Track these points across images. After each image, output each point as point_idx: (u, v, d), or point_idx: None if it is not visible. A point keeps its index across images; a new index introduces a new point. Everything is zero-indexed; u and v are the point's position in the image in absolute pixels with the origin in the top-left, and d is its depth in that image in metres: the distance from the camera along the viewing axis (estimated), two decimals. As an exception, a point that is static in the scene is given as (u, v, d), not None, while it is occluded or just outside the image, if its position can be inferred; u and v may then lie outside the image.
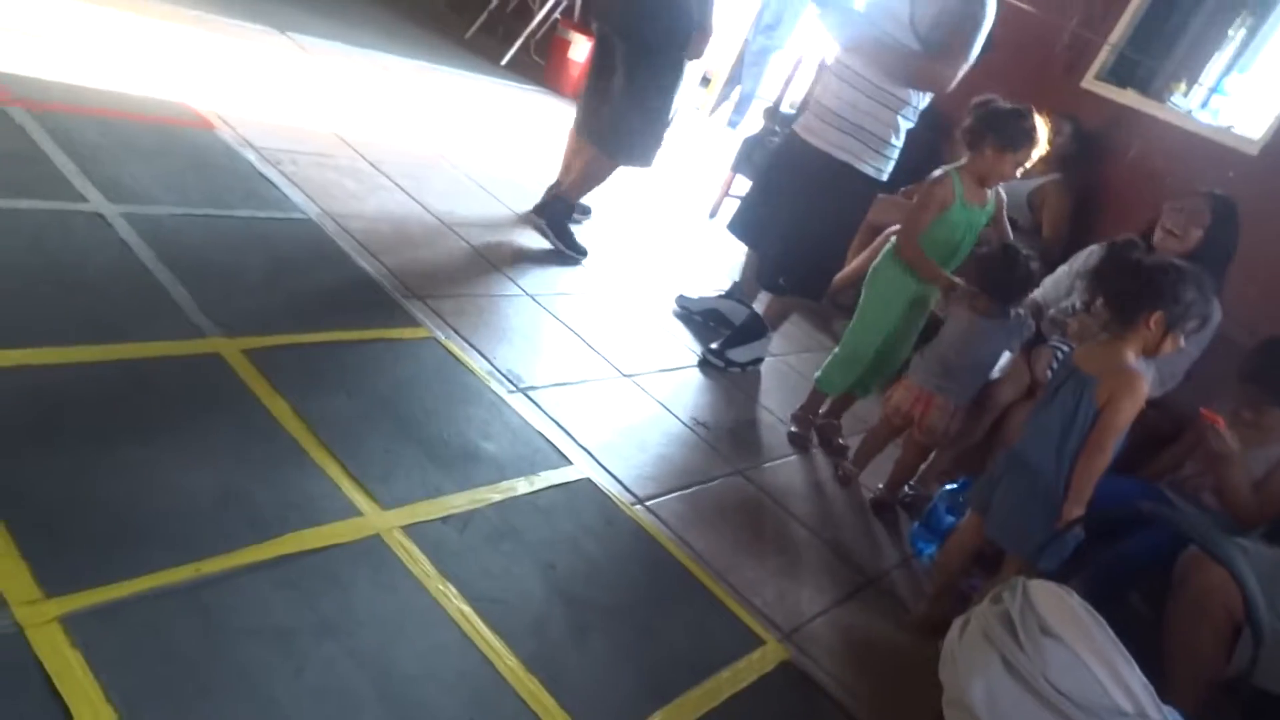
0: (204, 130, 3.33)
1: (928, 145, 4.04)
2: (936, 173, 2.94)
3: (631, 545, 2.33)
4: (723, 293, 3.79)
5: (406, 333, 2.74)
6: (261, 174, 3.22)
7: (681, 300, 3.79)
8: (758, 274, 3.55)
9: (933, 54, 2.92)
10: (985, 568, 2.70)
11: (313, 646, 1.65)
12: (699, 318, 3.74)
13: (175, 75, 3.62)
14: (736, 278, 3.81)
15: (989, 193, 2.94)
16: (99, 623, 1.52)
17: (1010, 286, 2.83)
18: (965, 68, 2.95)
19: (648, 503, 2.51)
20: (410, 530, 2.00)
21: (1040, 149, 2.85)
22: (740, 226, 3.49)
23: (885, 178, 3.20)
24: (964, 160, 2.90)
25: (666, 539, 2.39)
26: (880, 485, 3.09)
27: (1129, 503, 2.51)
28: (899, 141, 3.13)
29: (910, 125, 3.13)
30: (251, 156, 3.30)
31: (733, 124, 6.73)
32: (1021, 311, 2.92)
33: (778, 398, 3.46)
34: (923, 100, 3.08)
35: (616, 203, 4.74)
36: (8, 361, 1.93)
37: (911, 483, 3.14)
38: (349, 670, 1.64)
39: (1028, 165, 2.89)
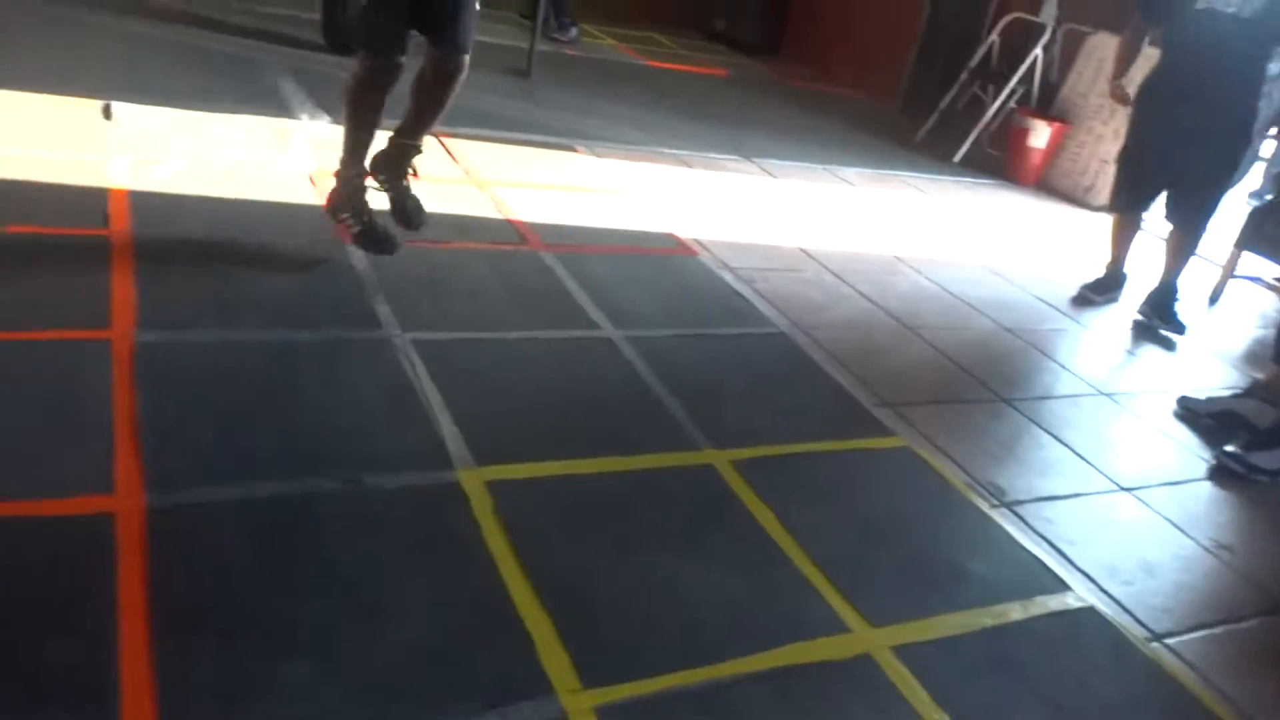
0: (688, 257, 3.69)
1: None
2: None
3: (1152, 689, 2.04)
4: (1239, 391, 3.29)
5: (881, 442, 2.74)
6: (738, 292, 3.47)
7: (1186, 402, 3.34)
8: None
9: None
10: None
11: (814, 764, 1.66)
12: (1210, 420, 3.27)
13: (663, 210, 4.07)
14: (1258, 374, 3.28)
15: None
16: (627, 717, 1.67)
17: None
18: None
19: (1166, 640, 2.20)
20: (900, 651, 1.95)
21: None
22: None
23: None
24: None
25: (1196, 686, 2.07)
26: None
27: None
28: None
29: None
30: (728, 277, 3.58)
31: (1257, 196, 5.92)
32: None
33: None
34: None
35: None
36: (550, 471, 2.26)
37: None
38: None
39: None
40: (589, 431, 2.46)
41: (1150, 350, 3.96)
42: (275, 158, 3.57)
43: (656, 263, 3.58)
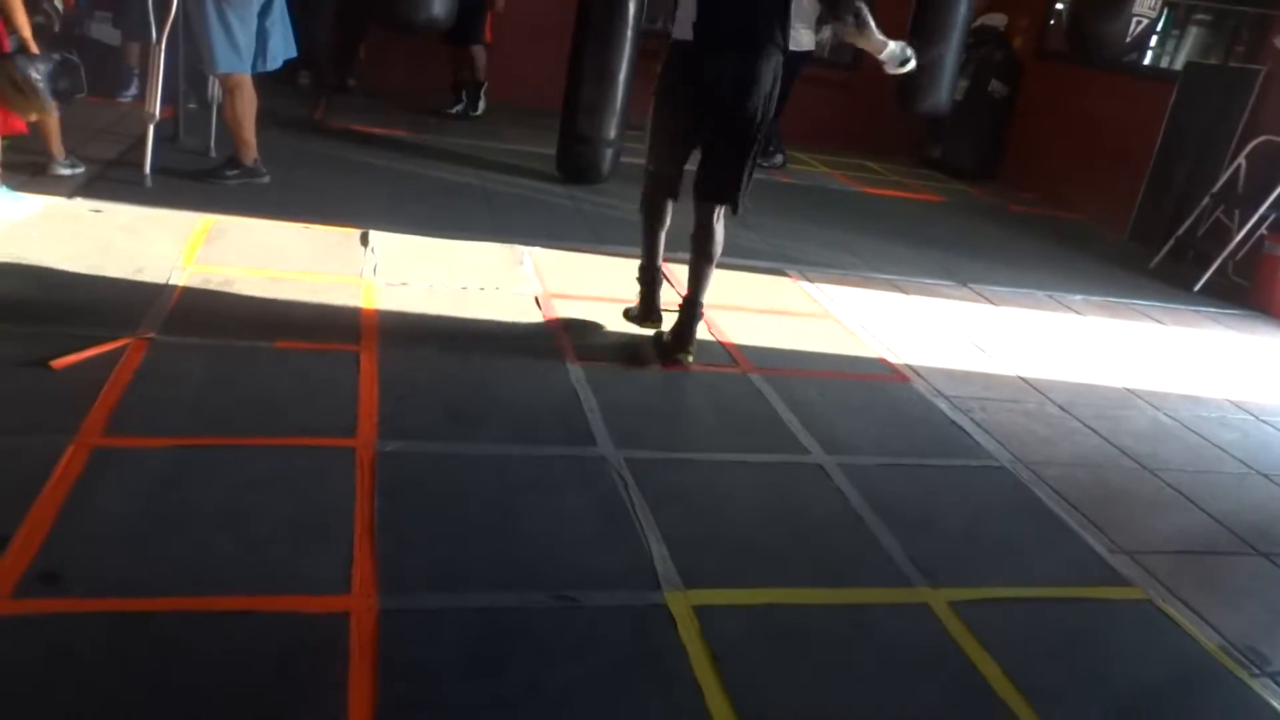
0: (901, 384, 3.62)
1: None
2: None
3: None
4: None
5: (1116, 592, 2.52)
6: (954, 422, 3.36)
7: None
8: None
9: None
10: None
11: None
12: None
13: (876, 335, 4.04)
14: None
15: None
16: None
17: None
18: None
19: None
20: (1146, 833, 1.75)
21: None
22: None
23: None
24: None
25: None
26: None
27: None
28: None
29: None
30: (944, 406, 3.47)
31: None
32: None
33: None
34: None
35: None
36: (758, 599, 2.23)
37: None
38: None
39: None
40: (798, 560, 2.42)
41: None
42: (507, 281, 3.85)
43: (868, 389, 3.53)
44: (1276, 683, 2.26)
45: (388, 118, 6.39)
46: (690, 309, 3.33)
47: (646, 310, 3.53)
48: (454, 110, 6.99)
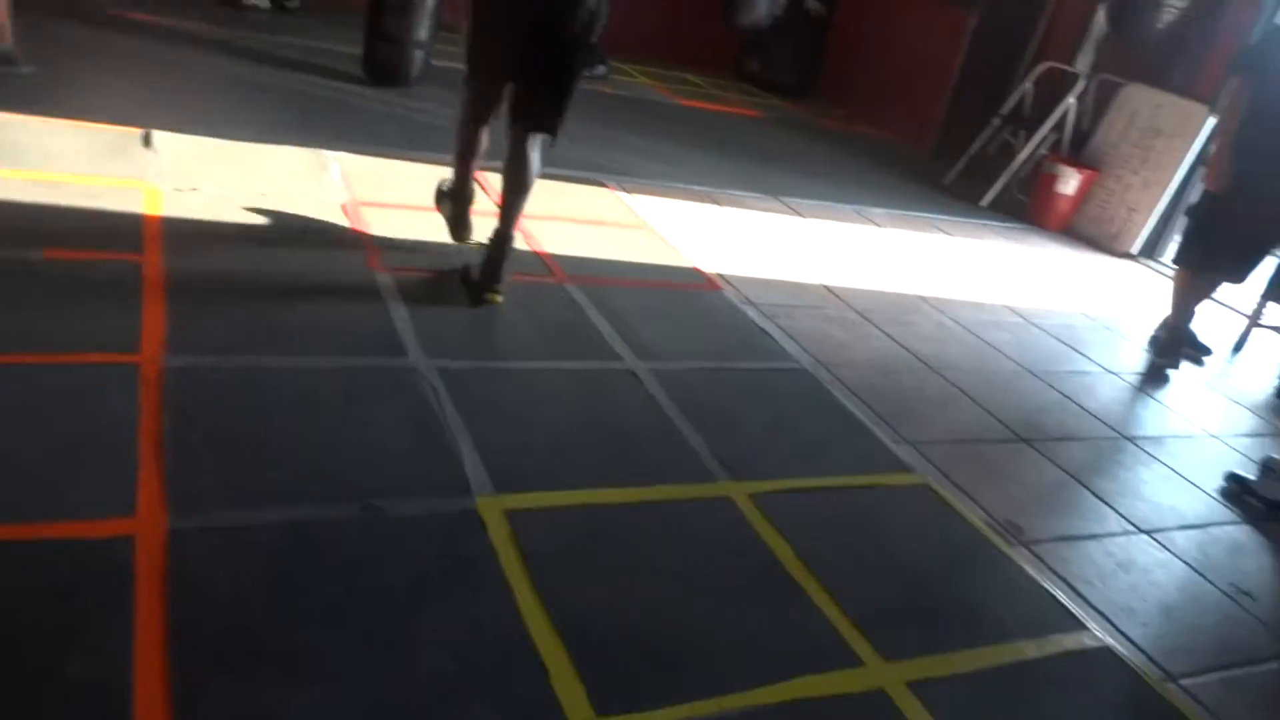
0: (712, 292, 3.73)
1: None
2: None
3: (1167, 733, 2.03)
4: None
5: (900, 479, 2.75)
6: (760, 328, 3.51)
7: (1239, 480, 3.19)
8: None
9: None
10: None
11: (822, 797, 1.67)
12: (1262, 506, 3.10)
13: (690, 245, 4.13)
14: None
15: None
16: (638, 743, 1.68)
17: None
18: None
19: (1182, 680, 2.18)
20: (914, 686, 1.95)
21: None
22: None
23: None
24: None
25: (1212, 730, 2.05)
26: None
27: None
28: None
29: None
30: (752, 312, 3.62)
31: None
32: None
33: (1351, 567, 2.84)
34: None
35: (1116, 337, 4.39)
36: (570, 500, 2.29)
37: None
38: (858, 828, 1.62)
39: None
40: (609, 462, 2.49)
41: (1173, 394, 3.94)
42: (311, 188, 3.67)
43: (681, 297, 3.62)
44: (1030, 550, 2.55)
45: (184, 10, 5.86)
46: (500, 244, 3.11)
47: (457, 225, 3.43)
48: (263, 4, 6.47)
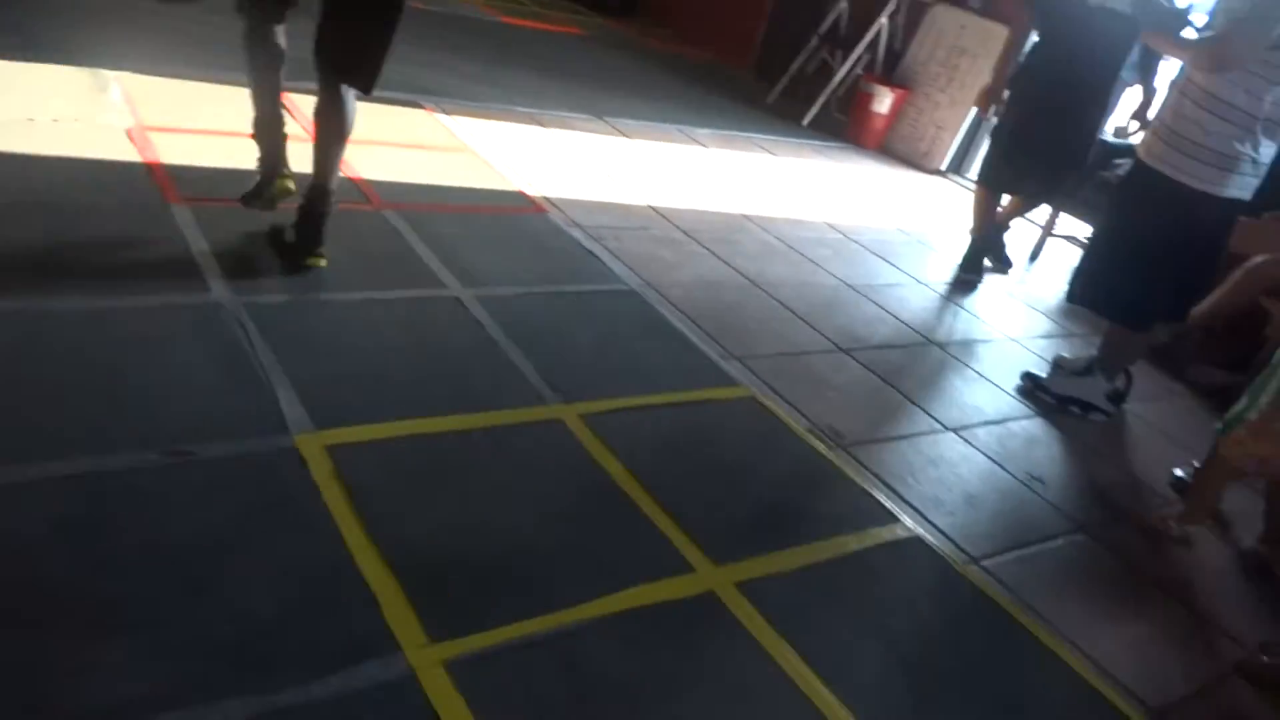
0: (538, 215, 3.67)
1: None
2: None
3: (970, 607, 2.21)
4: (1080, 367, 3.47)
5: (727, 393, 2.82)
6: (588, 251, 3.49)
7: (1031, 377, 3.45)
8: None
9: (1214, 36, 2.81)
10: None
11: (659, 702, 1.72)
12: (1052, 400, 3.36)
13: (513, 169, 4.03)
14: (1069, 323, 3.53)
15: None
16: (476, 668, 1.68)
17: None
18: (1249, 49, 2.69)
19: (983, 562, 2.37)
20: (743, 587, 2.04)
21: None
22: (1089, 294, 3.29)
23: (1245, 197, 2.87)
24: None
25: (1009, 603, 2.25)
26: (1254, 540, 2.71)
27: None
28: (1261, 158, 2.80)
29: (1274, 144, 2.80)
30: (579, 235, 3.59)
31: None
32: None
33: (1121, 450, 3.15)
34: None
35: (926, 249, 4.62)
36: (396, 432, 2.22)
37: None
38: (692, 725, 1.69)
39: None
40: (435, 391, 2.43)
41: (977, 303, 4.21)
42: (90, 111, 3.34)
43: (506, 221, 3.55)
44: (849, 453, 2.68)
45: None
46: (319, 200, 2.72)
47: (259, 186, 2.82)
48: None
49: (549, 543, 2.02)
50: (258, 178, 2.82)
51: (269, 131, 2.79)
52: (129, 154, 3.13)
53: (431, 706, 1.58)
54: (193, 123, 3.48)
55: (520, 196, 3.78)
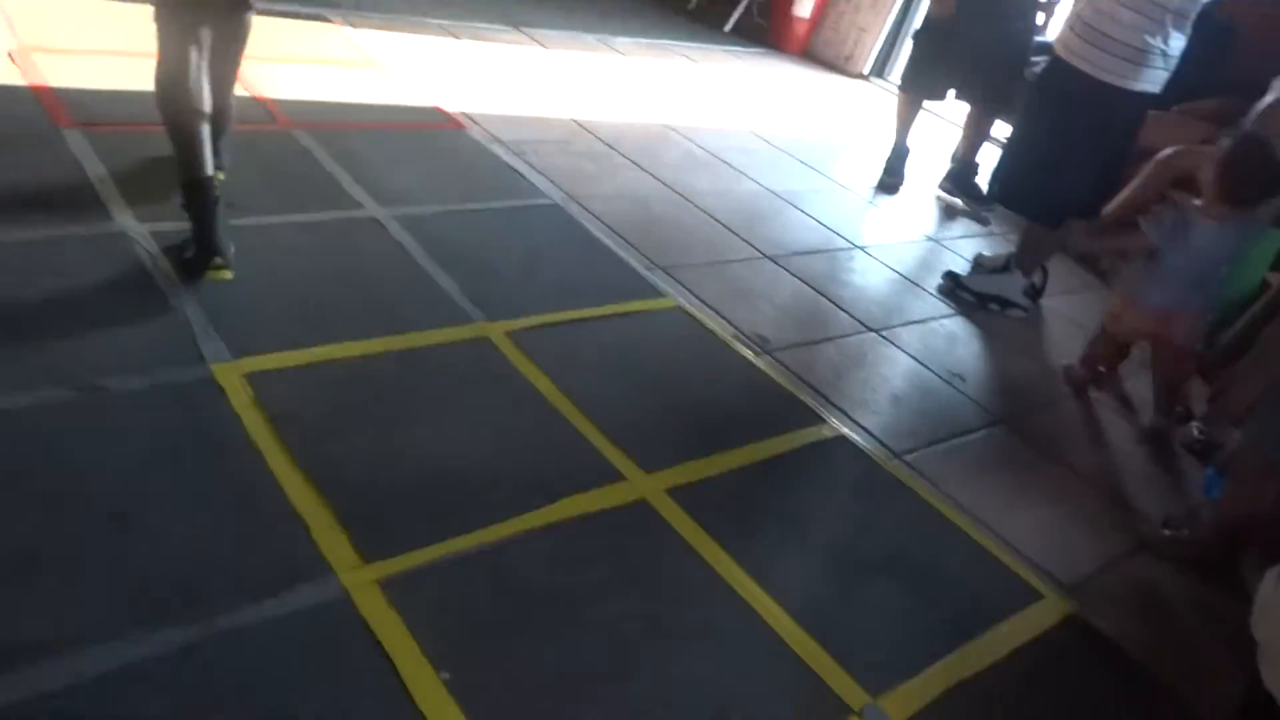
0: (456, 131, 3.57)
1: (1206, 61, 3.66)
2: (1269, 98, 2.91)
3: (893, 500, 2.29)
4: (998, 264, 3.52)
5: (653, 304, 2.82)
6: (509, 166, 3.42)
7: (952, 276, 3.49)
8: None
9: None
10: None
11: (593, 606, 1.76)
12: (972, 298, 3.42)
13: (429, 83, 3.91)
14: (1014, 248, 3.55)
15: None
16: (409, 585, 1.69)
17: (1261, 186, 2.54)
18: None
19: (906, 457, 2.45)
20: (674, 493, 2.07)
21: None
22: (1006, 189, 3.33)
23: (1155, 90, 2.93)
24: None
25: (929, 493, 2.33)
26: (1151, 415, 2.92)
27: None
28: (1170, 51, 2.85)
29: (1183, 37, 2.85)
30: (499, 150, 3.51)
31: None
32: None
33: (1038, 343, 3.25)
34: (1193, 8, 2.80)
35: (850, 153, 4.63)
36: (318, 357, 2.18)
37: (1201, 426, 2.87)
38: (630, 630, 1.73)
39: None
40: (356, 314, 2.38)
41: (897, 204, 4.24)
42: (-32, 35, 3.13)
43: (423, 138, 3.45)
44: (775, 358, 2.72)
45: None
46: (197, 195, 2.31)
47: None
48: None
49: (479, 460, 2.03)
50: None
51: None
52: (12, 77, 2.94)
53: (366, 624, 1.59)
54: (82, 43, 3.28)
55: (436, 112, 3.67)
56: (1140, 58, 2.83)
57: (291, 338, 2.22)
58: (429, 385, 2.22)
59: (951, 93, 4.23)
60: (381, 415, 2.08)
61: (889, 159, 4.38)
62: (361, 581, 1.67)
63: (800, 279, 3.23)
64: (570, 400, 2.28)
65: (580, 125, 4.00)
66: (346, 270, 2.56)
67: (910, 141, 4.37)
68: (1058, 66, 2.99)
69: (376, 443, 2.00)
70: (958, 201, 4.34)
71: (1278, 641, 1.65)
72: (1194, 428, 2.88)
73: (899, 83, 4.47)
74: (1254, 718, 1.75)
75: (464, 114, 3.72)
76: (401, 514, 1.84)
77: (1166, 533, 2.39)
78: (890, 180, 4.35)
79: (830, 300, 3.15)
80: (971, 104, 4.27)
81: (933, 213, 4.27)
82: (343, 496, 1.82)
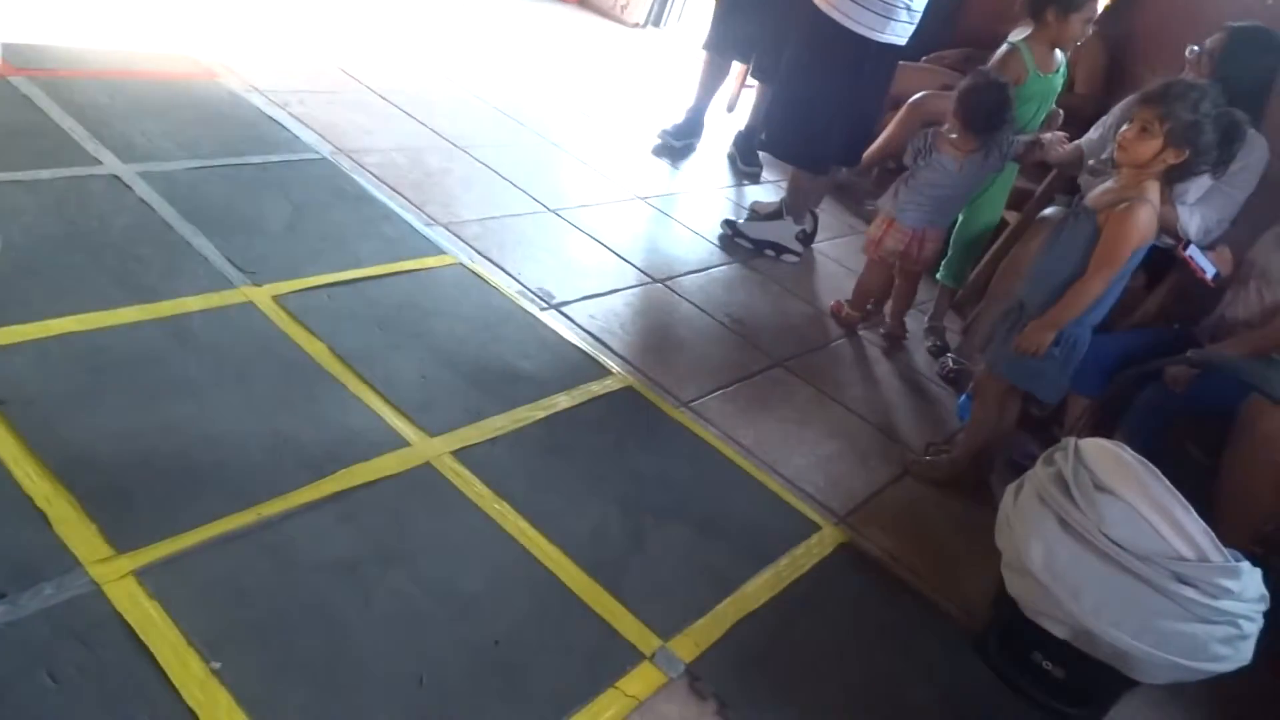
0: (209, 81, 3.30)
1: (944, 16, 3.94)
2: (1002, 48, 2.99)
3: (679, 447, 2.35)
4: (772, 210, 3.63)
5: (433, 261, 2.73)
6: (271, 118, 3.19)
7: (730, 224, 3.56)
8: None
9: None
10: (1036, 434, 2.69)
11: (378, 576, 1.70)
12: (749, 245, 3.51)
13: (177, 27, 3.57)
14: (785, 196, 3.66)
15: (1058, 55, 2.97)
16: (171, 572, 1.57)
17: (990, 114, 2.81)
18: None
19: (691, 404, 2.52)
20: (460, 455, 2.03)
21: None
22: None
23: (901, 42, 3.11)
24: (1028, 30, 2.92)
25: (714, 437, 2.41)
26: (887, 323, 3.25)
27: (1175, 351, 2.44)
28: (914, 6, 3.03)
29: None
30: (259, 101, 3.27)
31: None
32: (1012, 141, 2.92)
33: (811, 287, 3.42)
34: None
35: (631, 104, 4.66)
36: (52, 331, 1.96)
37: (955, 356, 3.13)
38: (416, 595, 1.69)
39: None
40: (98, 283, 2.17)
41: (680, 155, 4.30)
42: None
43: (170, 88, 3.16)
44: (560, 312, 2.71)
45: None
46: None
47: None
48: None
49: (245, 434, 1.90)
50: None
51: None
52: None
53: (122, 618, 1.46)
54: None
55: (185, 60, 3.37)
56: (888, 11, 3.00)
57: (19, 310, 1.98)
58: (186, 357, 2.05)
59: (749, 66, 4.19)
60: (131, 391, 1.91)
61: (682, 121, 4.26)
62: (114, 573, 1.53)
63: (584, 232, 3.23)
64: (347, 365, 2.17)
65: (348, 73, 3.79)
66: (85, 234, 2.32)
67: (712, 106, 4.29)
68: (815, 17, 3.11)
69: (126, 421, 1.83)
70: (736, 156, 4.39)
71: (1015, 549, 1.83)
72: (949, 359, 3.13)
73: (703, 45, 4.22)
74: (1002, 622, 1.95)
75: (218, 62, 3.44)
76: (161, 498, 1.70)
77: (927, 458, 2.59)
78: (677, 143, 4.22)
79: (613, 251, 3.17)
80: (762, 80, 4.10)
81: (719, 163, 4.36)
82: (87, 483, 1.66)
